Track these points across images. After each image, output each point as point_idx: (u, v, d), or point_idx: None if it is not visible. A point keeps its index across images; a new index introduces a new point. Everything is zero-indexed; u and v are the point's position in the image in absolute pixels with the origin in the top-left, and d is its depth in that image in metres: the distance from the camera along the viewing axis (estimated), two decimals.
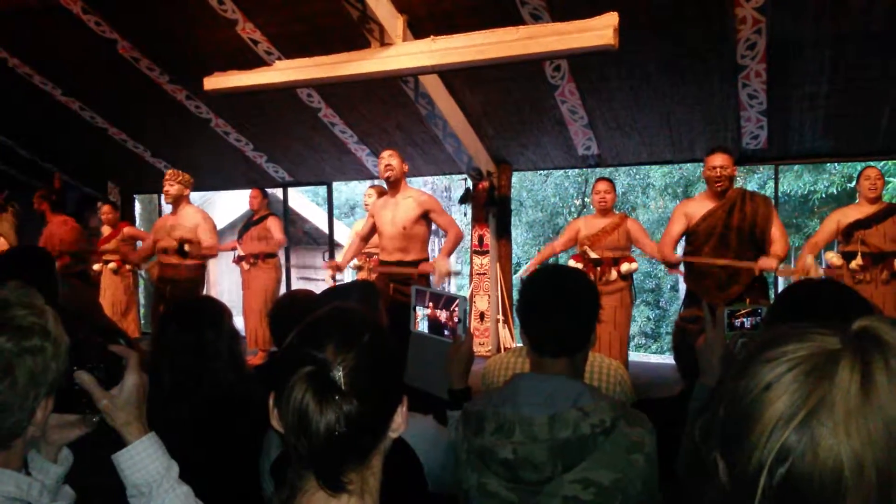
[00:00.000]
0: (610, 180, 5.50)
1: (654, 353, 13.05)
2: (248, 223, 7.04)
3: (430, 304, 1.98)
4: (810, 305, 1.48)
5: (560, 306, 1.57)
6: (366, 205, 6.01)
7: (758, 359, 0.65)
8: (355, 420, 0.88)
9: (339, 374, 0.89)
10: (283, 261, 7.44)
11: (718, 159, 4.31)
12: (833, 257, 5.13)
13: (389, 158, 4.72)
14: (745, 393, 0.63)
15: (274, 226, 6.82)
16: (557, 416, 1.41)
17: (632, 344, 14.15)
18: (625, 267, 5.26)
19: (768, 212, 4.34)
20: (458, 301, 1.80)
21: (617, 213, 5.52)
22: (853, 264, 4.91)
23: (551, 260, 5.69)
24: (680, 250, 4.75)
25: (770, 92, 5.15)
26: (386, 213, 4.76)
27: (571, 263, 5.26)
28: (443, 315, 1.79)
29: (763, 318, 1.73)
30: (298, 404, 0.88)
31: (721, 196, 4.34)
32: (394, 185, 4.77)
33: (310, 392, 0.88)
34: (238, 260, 6.94)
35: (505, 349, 6.38)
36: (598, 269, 5.25)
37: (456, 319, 1.76)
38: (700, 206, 4.46)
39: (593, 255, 5.30)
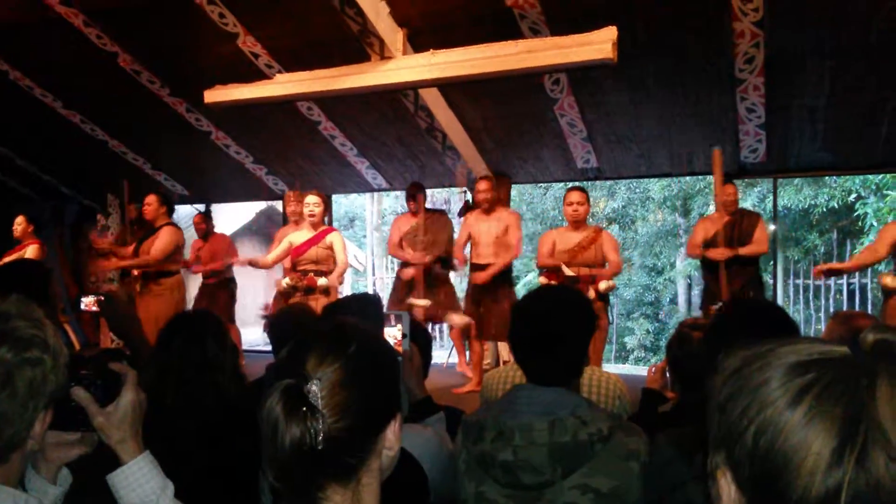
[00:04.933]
0: (583, 190, 5.34)
1: None
2: (142, 236, 6.26)
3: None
4: (753, 324, 1.55)
5: (557, 343, 1.58)
6: (311, 214, 5.61)
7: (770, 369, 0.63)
8: (332, 436, 0.86)
9: (313, 388, 0.87)
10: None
11: (731, 188, 5.49)
12: (889, 279, 4.63)
13: (485, 193, 5.73)
14: (764, 413, 0.61)
15: (166, 236, 5.99)
16: (557, 422, 1.43)
17: (631, 357, 14.15)
18: (603, 285, 5.05)
19: (756, 223, 5.45)
20: (402, 317, 1.88)
21: (591, 225, 5.38)
22: None
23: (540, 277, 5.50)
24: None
25: (769, 105, 5.18)
26: (482, 226, 5.79)
27: (543, 282, 5.17)
28: (391, 333, 1.84)
29: (707, 333, 1.76)
30: (269, 417, 0.87)
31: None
32: (488, 210, 5.78)
33: (280, 404, 0.86)
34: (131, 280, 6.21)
35: (504, 363, 6.36)
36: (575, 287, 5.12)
37: (401, 336, 1.82)
38: (713, 224, 5.38)
39: (569, 273, 5.08)
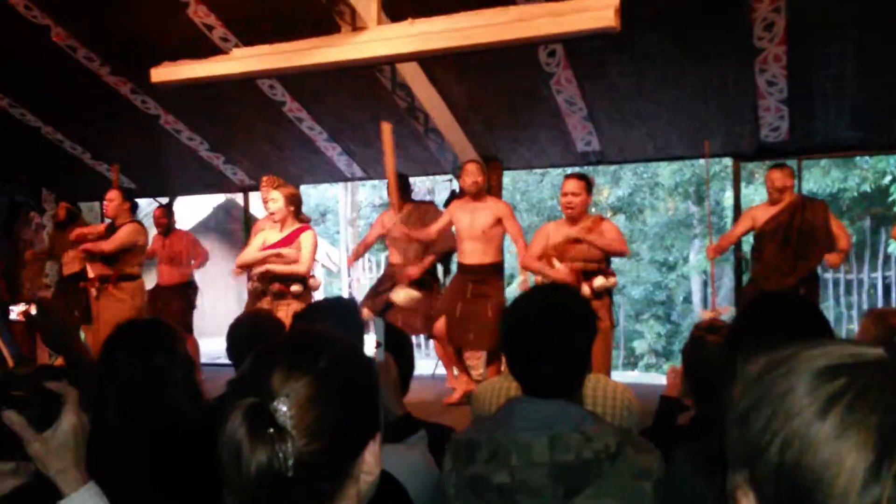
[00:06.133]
0: (582, 177, 5.24)
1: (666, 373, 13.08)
2: (102, 235, 6.37)
3: None
4: (783, 319, 1.58)
5: (554, 348, 1.57)
6: (272, 212, 5.51)
7: (796, 373, 0.63)
8: (303, 460, 0.85)
9: (281, 406, 0.86)
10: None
11: (778, 174, 5.51)
12: None
13: (474, 176, 5.59)
14: (792, 424, 0.61)
15: (123, 232, 6.11)
16: (558, 438, 1.42)
17: (641, 363, 14.22)
18: (598, 282, 4.98)
19: (825, 215, 5.49)
20: (375, 323, 1.87)
21: (592, 215, 5.32)
22: None
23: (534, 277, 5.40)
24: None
25: (791, 78, 5.21)
26: (466, 218, 5.65)
27: (538, 281, 5.13)
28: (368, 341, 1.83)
29: (731, 329, 1.79)
30: (231, 440, 0.86)
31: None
32: (476, 196, 5.65)
33: (244, 427, 0.85)
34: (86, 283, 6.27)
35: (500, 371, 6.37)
36: None
37: (374, 345, 1.82)
38: (764, 211, 5.63)
39: (559, 267, 5.03)
